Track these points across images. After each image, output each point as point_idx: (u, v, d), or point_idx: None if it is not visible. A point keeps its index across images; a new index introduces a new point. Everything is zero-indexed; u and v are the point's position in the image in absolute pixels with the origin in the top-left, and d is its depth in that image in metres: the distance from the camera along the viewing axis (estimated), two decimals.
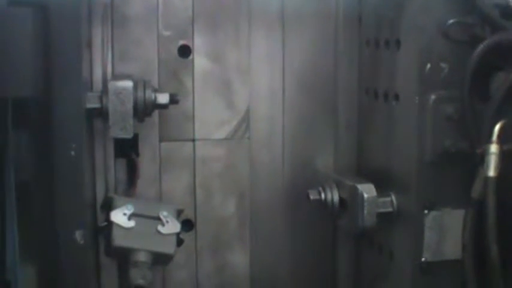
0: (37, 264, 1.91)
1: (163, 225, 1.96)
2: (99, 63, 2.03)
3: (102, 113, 1.93)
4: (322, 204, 2.11)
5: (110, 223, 1.93)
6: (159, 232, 1.96)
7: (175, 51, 2.11)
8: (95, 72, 2.04)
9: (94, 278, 2.08)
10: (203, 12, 2.11)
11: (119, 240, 1.92)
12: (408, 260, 1.98)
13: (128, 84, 1.92)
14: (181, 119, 2.13)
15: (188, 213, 2.14)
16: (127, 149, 2.09)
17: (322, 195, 2.10)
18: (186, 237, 2.09)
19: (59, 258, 1.83)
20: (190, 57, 2.12)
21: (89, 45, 2.00)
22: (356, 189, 2.01)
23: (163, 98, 1.99)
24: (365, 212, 1.99)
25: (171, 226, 1.97)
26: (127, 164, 2.11)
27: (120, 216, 1.93)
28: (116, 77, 1.99)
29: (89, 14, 2.01)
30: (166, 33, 2.10)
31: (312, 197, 2.11)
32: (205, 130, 2.15)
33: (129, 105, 1.91)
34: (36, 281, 1.91)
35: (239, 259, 2.20)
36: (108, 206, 1.97)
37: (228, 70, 2.15)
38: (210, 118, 2.15)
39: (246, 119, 2.16)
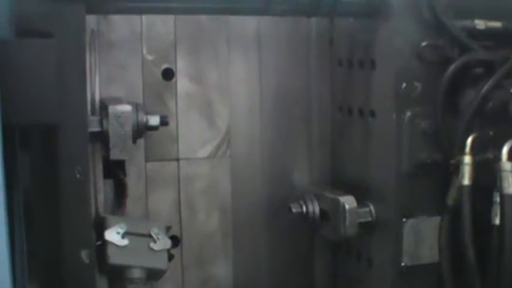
0: (44, 283, 1.94)
1: (155, 242, 2.03)
2: (88, 87, 2.08)
3: (102, 136, 1.98)
4: (303, 216, 2.22)
5: (104, 242, 1.99)
6: (151, 249, 2.02)
7: (159, 74, 2.19)
8: None
9: None
10: (185, 36, 2.20)
11: (114, 258, 1.98)
12: (388, 265, 2.11)
13: (127, 108, 1.99)
14: (166, 140, 2.21)
15: (174, 230, 2.21)
16: (114, 170, 2.14)
17: (304, 208, 2.22)
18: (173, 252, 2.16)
19: (65, 277, 1.88)
20: (174, 79, 2.20)
21: None
22: (338, 201, 2.13)
23: (154, 120, 2.06)
24: (347, 222, 2.11)
25: (162, 242, 2.04)
26: (115, 185, 2.16)
27: (114, 235, 1.99)
28: (109, 100, 2.04)
29: None
30: (150, 57, 2.18)
31: (294, 210, 2.22)
32: (189, 149, 2.23)
33: (128, 128, 1.98)
34: None
35: (223, 271, 2.30)
36: (101, 225, 2.02)
37: (209, 91, 2.24)
38: (193, 138, 2.24)
39: (227, 138, 2.26)
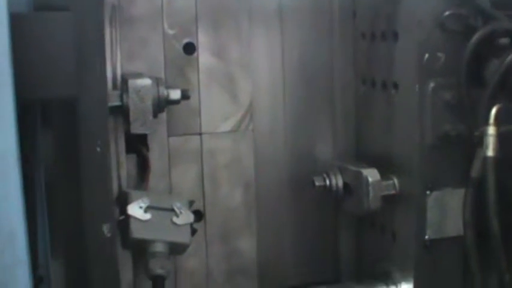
0: (67, 258, 1.96)
1: (177, 216, 2.05)
2: (109, 62, 2.07)
3: (122, 110, 1.99)
4: (327, 189, 2.22)
5: (127, 216, 2.00)
6: (174, 223, 2.04)
7: (180, 48, 2.19)
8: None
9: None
10: (206, 11, 2.19)
11: (137, 232, 2.00)
12: (412, 239, 2.09)
13: (147, 81, 1.99)
14: (188, 114, 2.21)
15: (198, 204, 2.22)
16: (137, 145, 2.16)
17: (327, 181, 2.22)
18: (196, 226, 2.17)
19: (87, 251, 1.89)
20: (195, 54, 2.20)
21: None
22: (361, 174, 2.13)
23: (175, 94, 2.06)
24: (370, 195, 2.11)
25: (185, 217, 2.06)
26: (137, 159, 2.17)
27: (136, 210, 2.01)
28: (130, 75, 2.05)
29: None
30: (172, 31, 2.17)
31: (317, 183, 2.22)
32: (212, 124, 2.23)
33: (149, 102, 1.99)
34: (67, 275, 1.98)
35: (247, 246, 2.29)
36: (124, 200, 2.04)
37: (230, 66, 2.23)
38: (216, 112, 2.23)
39: (249, 112, 2.25)
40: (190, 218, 2.07)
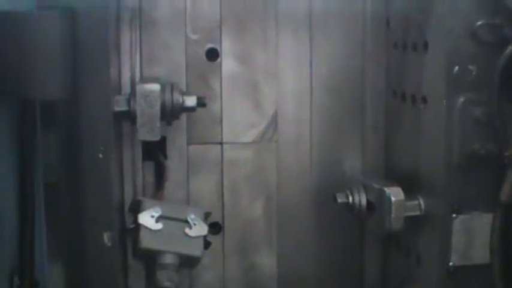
0: (65, 264, 1.94)
1: (190, 227, 1.98)
2: (128, 66, 2.05)
3: (130, 116, 1.94)
4: (350, 207, 2.10)
5: (138, 225, 1.95)
6: (186, 235, 1.97)
7: (203, 54, 2.12)
8: (123, 75, 2.05)
9: (122, 279, 2.09)
10: (231, 16, 2.12)
11: (146, 242, 1.94)
12: (435, 264, 1.96)
13: (155, 87, 1.93)
14: (209, 122, 2.14)
15: (216, 216, 2.15)
16: (155, 152, 2.11)
17: (350, 198, 2.10)
18: (214, 239, 2.10)
19: (87, 259, 1.86)
20: (218, 60, 2.13)
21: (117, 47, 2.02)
22: (384, 192, 2.00)
23: (190, 101, 2.00)
24: (392, 215, 1.98)
25: (199, 229, 1.98)
26: (155, 167, 2.12)
27: (147, 219, 1.95)
28: (144, 79, 2.00)
29: (117, 18, 2.02)
30: (194, 36, 2.11)
31: (339, 200, 2.11)
32: (234, 133, 2.15)
33: (157, 108, 1.92)
34: (64, 280, 1.96)
35: (266, 261, 2.21)
36: (136, 208, 1.99)
37: (255, 73, 2.15)
38: (238, 121, 2.16)
39: (273, 122, 2.17)
40: (204, 230, 2.00)
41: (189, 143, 2.14)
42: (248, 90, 2.15)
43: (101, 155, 1.81)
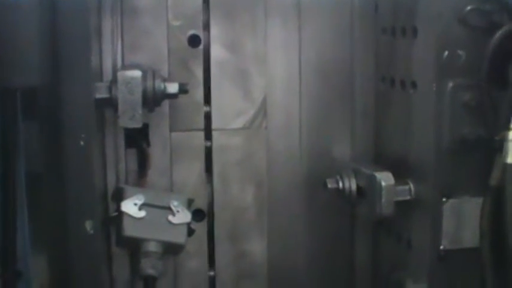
0: (48, 254, 1.91)
1: (173, 215, 1.97)
2: (109, 53, 2.04)
3: (111, 103, 1.92)
4: (340, 192, 2.11)
5: (121, 213, 1.94)
6: (169, 222, 1.96)
7: (185, 41, 2.10)
8: (105, 62, 2.05)
9: (105, 267, 2.09)
10: (220, 2, 2.11)
11: (130, 230, 1.93)
12: (426, 248, 1.97)
13: (137, 73, 1.91)
14: (192, 109, 2.13)
15: (200, 203, 2.15)
16: (137, 139, 2.10)
17: (340, 184, 2.10)
18: (199, 226, 2.10)
19: (69, 248, 1.85)
20: (200, 46, 2.11)
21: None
22: (374, 177, 2.01)
23: (172, 88, 1.98)
24: (383, 200, 1.98)
25: (182, 216, 1.97)
26: (138, 155, 2.11)
27: (130, 206, 1.94)
28: (125, 67, 1.99)
29: (99, 5, 2.01)
30: (176, 23, 2.09)
31: (329, 186, 2.11)
32: (223, 120, 2.15)
33: (138, 95, 1.91)
34: (47, 270, 1.92)
35: (257, 247, 2.20)
36: (119, 196, 1.98)
37: (244, 60, 2.14)
38: (227, 108, 2.15)
39: (263, 109, 2.16)
40: (188, 217, 1.99)
41: (171, 130, 2.12)
42: (237, 77, 2.14)
43: (82, 143, 1.79)
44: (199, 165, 2.16)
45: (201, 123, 2.14)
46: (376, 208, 2.01)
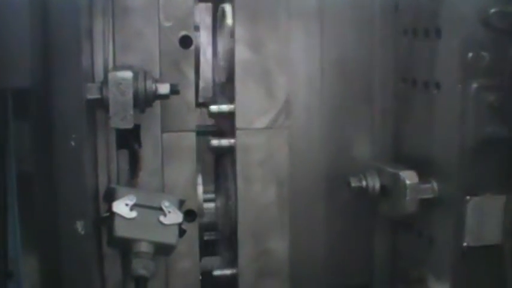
0: (39, 254, 1.91)
1: (165, 215, 1.97)
2: (101, 54, 2.04)
3: (102, 104, 1.93)
4: (363, 191, 2.15)
5: (112, 213, 1.94)
6: (161, 222, 1.96)
7: (176, 41, 2.10)
8: (96, 63, 2.04)
9: (96, 268, 2.08)
10: (244, 4, 2.13)
11: (121, 230, 1.93)
12: (449, 245, 2.02)
13: (128, 74, 1.92)
14: (184, 110, 2.14)
15: (191, 204, 2.15)
16: (129, 140, 2.10)
17: (363, 182, 2.15)
18: (190, 227, 2.11)
19: (60, 248, 1.85)
20: (192, 47, 2.12)
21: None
22: (398, 176, 2.06)
23: (163, 89, 1.98)
24: (407, 198, 2.03)
25: (173, 217, 1.98)
26: (129, 155, 2.12)
27: (122, 207, 1.94)
28: (117, 67, 1.99)
29: (90, 5, 2.01)
30: (167, 24, 2.09)
31: (353, 184, 2.16)
32: (246, 120, 2.17)
33: (129, 96, 1.91)
34: (38, 271, 1.92)
35: (279, 246, 2.23)
36: (111, 196, 1.98)
37: (267, 60, 2.16)
38: (251, 108, 2.17)
39: (285, 108, 2.19)
40: (179, 218, 1.99)
41: (163, 131, 2.13)
42: (260, 77, 2.16)
43: (73, 143, 1.80)
44: (191, 166, 2.16)
45: (193, 124, 2.15)
46: (401, 206, 2.06)
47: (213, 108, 2.20)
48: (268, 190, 2.21)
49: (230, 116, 2.19)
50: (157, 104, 2.06)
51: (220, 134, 2.33)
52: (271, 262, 2.24)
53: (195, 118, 2.17)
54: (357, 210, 2.28)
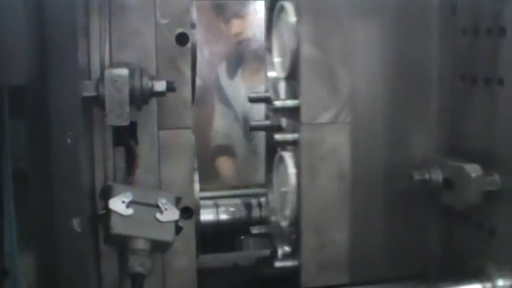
0: (35, 252, 1.93)
1: (161, 213, 1.99)
2: (97, 51, 2.06)
3: (99, 101, 1.95)
4: (426, 184, 2.23)
5: (109, 211, 1.95)
6: (157, 220, 1.98)
7: (172, 39, 2.13)
8: (92, 60, 2.06)
9: (92, 265, 2.10)
10: (308, 4, 2.19)
11: (118, 228, 1.94)
12: None
13: (124, 72, 1.93)
14: (180, 107, 2.16)
15: (188, 201, 2.17)
16: (125, 137, 2.12)
17: (427, 175, 2.23)
18: (185, 224, 2.13)
19: (57, 246, 1.87)
20: (188, 45, 2.14)
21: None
22: (463, 168, 2.14)
23: (160, 86, 2.00)
24: (472, 190, 2.11)
25: (170, 214, 2.00)
26: (126, 152, 2.14)
27: (118, 204, 1.95)
28: (113, 65, 2.01)
29: (86, 2, 2.03)
30: (164, 21, 2.12)
31: (416, 177, 2.23)
32: (311, 114, 2.23)
33: (125, 93, 1.93)
34: (35, 268, 1.93)
35: (340, 237, 2.29)
36: (107, 194, 1.99)
37: (331, 56, 2.22)
38: (315, 103, 2.23)
39: (347, 104, 2.25)
40: (176, 215, 2.01)
41: (159, 128, 2.15)
42: (324, 74, 2.22)
43: (69, 141, 1.82)
44: (187, 163, 2.18)
45: (189, 121, 2.17)
46: (465, 198, 2.13)
47: (278, 103, 2.27)
48: (331, 183, 2.27)
49: (293, 111, 2.25)
50: (153, 101, 2.07)
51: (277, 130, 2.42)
52: (333, 254, 2.29)
53: (191, 115, 2.19)
54: (413, 203, 2.35)
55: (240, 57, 5.05)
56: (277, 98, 2.41)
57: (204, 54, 5.07)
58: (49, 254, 1.89)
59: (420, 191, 2.27)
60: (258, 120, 2.63)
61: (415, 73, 2.32)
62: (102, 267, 2.13)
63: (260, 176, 3.36)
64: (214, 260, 2.79)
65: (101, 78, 1.94)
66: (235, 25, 4.95)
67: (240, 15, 4.96)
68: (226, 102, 5.06)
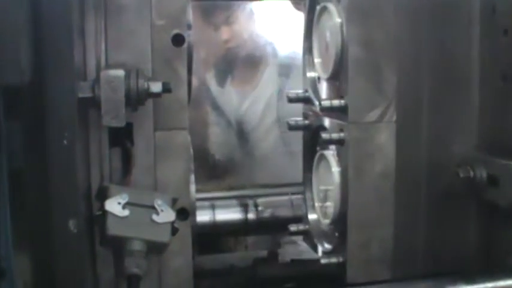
0: (31, 253, 1.93)
1: (157, 214, 2.00)
2: (93, 52, 2.07)
3: (95, 102, 1.95)
4: (470, 181, 2.28)
5: (105, 212, 1.96)
6: (153, 221, 1.99)
7: (168, 40, 2.14)
8: (88, 61, 2.07)
9: (89, 266, 2.11)
10: (355, 4, 2.22)
11: (114, 229, 1.95)
12: None
13: (120, 73, 1.95)
14: (176, 108, 2.17)
15: (184, 202, 2.18)
16: (121, 138, 2.13)
17: (471, 173, 2.28)
18: (182, 225, 2.15)
19: (53, 247, 1.88)
20: (184, 45, 2.15)
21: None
22: (509, 166, 2.19)
23: (156, 87, 2.01)
24: None
25: (166, 215, 2.01)
26: (122, 153, 2.15)
27: (114, 205, 1.96)
28: (109, 66, 2.02)
29: (82, 3, 2.04)
30: (160, 22, 2.13)
31: (462, 175, 2.29)
32: (357, 113, 2.26)
33: (121, 94, 1.94)
34: (31, 269, 1.94)
35: (384, 234, 2.33)
36: (103, 195, 2.00)
37: (377, 56, 2.26)
38: (361, 102, 2.26)
39: (393, 103, 2.29)
40: (172, 216, 2.02)
41: (155, 129, 2.16)
42: (370, 73, 2.26)
43: (65, 142, 1.83)
44: (183, 164, 2.20)
45: (185, 122, 2.18)
46: (510, 195, 2.19)
47: (325, 103, 2.30)
48: (376, 181, 2.30)
49: (339, 110, 2.28)
50: (149, 102, 2.08)
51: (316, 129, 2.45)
52: (377, 250, 2.33)
53: (187, 116, 2.20)
54: (455, 200, 2.40)
55: (229, 65, 5.01)
56: (318, 98, 2.44)
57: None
58: (45, 255, 1.89)
59: (462, 189, 2.32)
60: (295, 120, 2.64)
61: (456, 72, 2.37)
62: (98, 268, 2.13)
63: (256, 177, 3.64)
64: (210, 261, 2.81)
65: (97, 79, 1.95)
66: (224, 32, 4.89)
67: (229, 21, 4.91)
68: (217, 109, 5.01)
